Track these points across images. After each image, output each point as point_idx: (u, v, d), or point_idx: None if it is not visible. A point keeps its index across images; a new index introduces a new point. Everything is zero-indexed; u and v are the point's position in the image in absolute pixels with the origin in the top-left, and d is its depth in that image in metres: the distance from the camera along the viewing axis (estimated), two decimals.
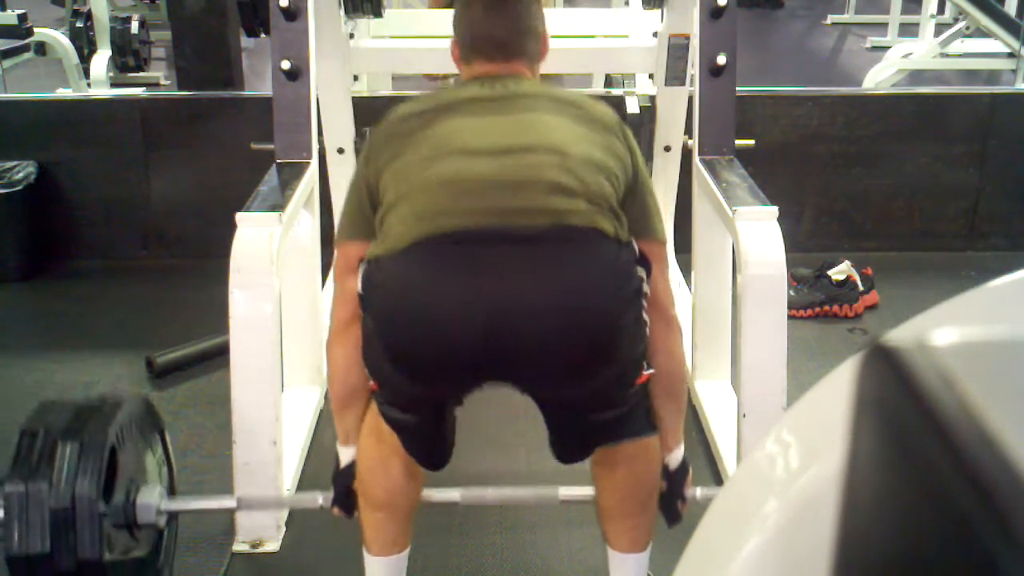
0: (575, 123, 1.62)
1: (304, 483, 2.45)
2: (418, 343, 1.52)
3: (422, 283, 1.50)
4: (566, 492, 1.99)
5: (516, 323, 1.47)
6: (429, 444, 1.72)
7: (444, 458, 1.75)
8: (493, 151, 1.55)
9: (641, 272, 1.59)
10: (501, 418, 2.67)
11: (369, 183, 1.64)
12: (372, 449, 1.76)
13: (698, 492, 1.92)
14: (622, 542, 1.82)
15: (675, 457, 1.82)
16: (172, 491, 2.00)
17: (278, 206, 2.31)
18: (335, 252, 1.74)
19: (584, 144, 1.59)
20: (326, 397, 2.79)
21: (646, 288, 1.61)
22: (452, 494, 1.98)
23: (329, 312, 1.78)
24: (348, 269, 1.68)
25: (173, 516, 1.93)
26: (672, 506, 1.83)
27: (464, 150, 1.56)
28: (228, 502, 2.06)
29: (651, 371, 1.67)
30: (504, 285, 1.47)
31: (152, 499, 1.81)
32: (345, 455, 1.82)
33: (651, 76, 3.34)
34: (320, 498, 1.96)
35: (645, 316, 1.62)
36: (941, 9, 7.25)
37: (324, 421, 2.73)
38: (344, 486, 1.83)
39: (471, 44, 1.72)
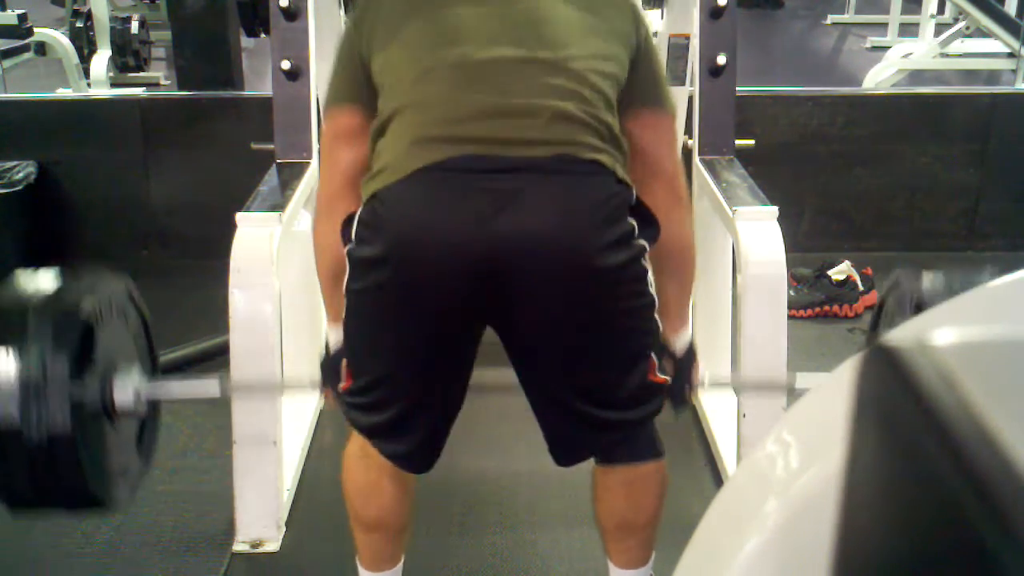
0: (578, 9, 1.53)
1: (304, 483, 2.45)
2: (426, 265, 1.43)
3: (425, 209, 1.43)
4: None
5: (512, 247, 1.41)
6: (416, 436, 1.60)
7: (433, 456, 1.64)
8: (495, 66, 1.47)
9: (632, 221, 1.48)
10: (501, 418, 2.67)
11: (361, 54, 1.56)
12: (361, 473, 1.71)
13: (707, 377, 1.83)
14: (620, 559, 1.79)
15: (682, 340, 1.72)
16: (154, 371, 1.86)
17: (278, 206, 2.31)
18: (324, 121, 1.66)
19: (589, 39, 1.51)
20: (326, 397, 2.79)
21: (642, 242, 1.49)
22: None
23: (317, 190, 1.67)
24: (339, 138, 1.61)
25: (154, 405, 1.82)
26: (679, 392, 1.71)
27: (463, 64, 1.48)
28: (212, 387, 1.94)
29: (665, 377, 1.60)
30: (501, 210, 1.40)
31: (130, 383, 1.70)
32: (335, 336, 1.70)
33: None
34: (311, 381, 1.88)
35: (650, 288, 1.53)
36: (941, 9, 7.26)
37: (324, 421, 2.73)
38: (333, 368, 1.72)
39: None
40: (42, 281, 1.68)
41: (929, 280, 1.60)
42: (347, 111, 1.60)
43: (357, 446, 1.70)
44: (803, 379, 1.82)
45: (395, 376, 1.55)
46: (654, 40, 1.66)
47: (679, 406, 1.72)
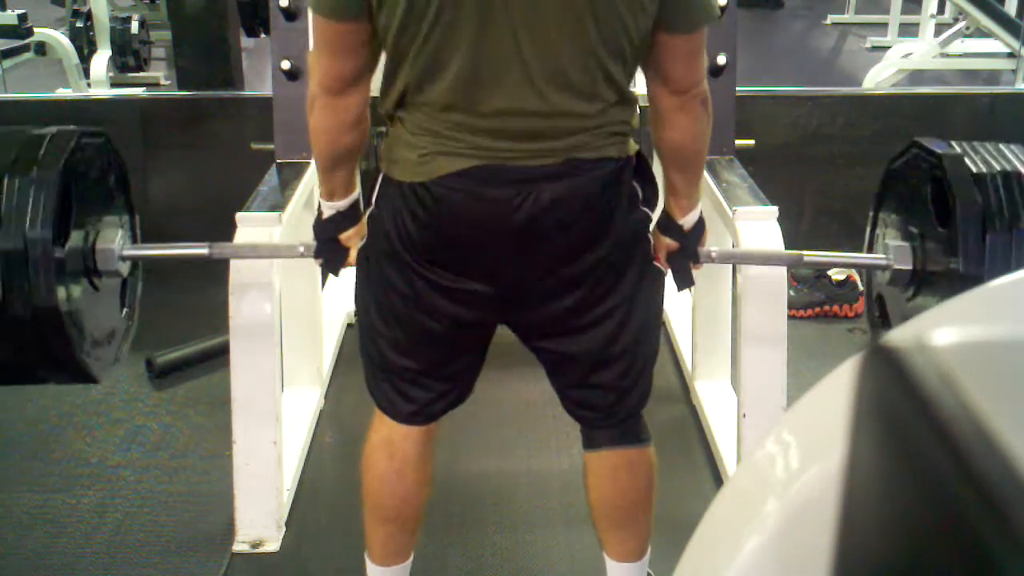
0: None
1: (304, 483, 2.45)
2: (469, 230, 1.50)
3: (465, 200, 1.48)
4: None
5: (537, 217, 1.49)
6: (454, 371, 1.68)
7: (470, 385, 1.73)
8: (508, 56, 1.42)
9: (636, 185, 1.58)
10: (501, 418, 2.68)
11: None
12: (383, 463, 1.73)
13: (713, 252, 1.85)
14: (616, 551, 1.81)
15: (690, 218, 1.73)
16: (135, 238, 1.85)
17: (278, 206, 2.31)
18: (316, 29, 1.50)
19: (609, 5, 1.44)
20: (326, 397, 2.80)
21: (645, 209, 1.61)
22: None
23: (311, 79, 1.55)
24: (344, 51, 1.48)
25: (136, 264, 1.79)
26: (683, 266, 1.75)
27: (476, 56, 1.42)
28: (199, 249, 1.91)
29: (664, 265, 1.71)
30: (526, 202, 1.48)
31: (112, 244, 1.65)
32: (328, 207, 1.70)
33: None
34: (301, 247, 1.89)
35: (649, 249, 1.62)
36: (941, 9, 7.26)
37: (324, 421, 2.73)
38: (326, 236, 1.73)
39: None
40: (15, 144, 1.59)
41: None
42: (348, 27, 1.46)
43: (381, 436, 1.73)
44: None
45: (419, 345, 1.62)
46: None
47: (683, 282, 1.77)
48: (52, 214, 1.49)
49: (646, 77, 1.59)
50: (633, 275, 1.61)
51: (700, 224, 1.75)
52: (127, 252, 1.69)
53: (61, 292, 1.51)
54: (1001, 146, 1.88)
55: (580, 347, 1.62)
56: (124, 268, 1.69)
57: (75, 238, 1.57)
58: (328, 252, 1.76)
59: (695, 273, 1.80)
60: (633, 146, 1.60)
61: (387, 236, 1.55)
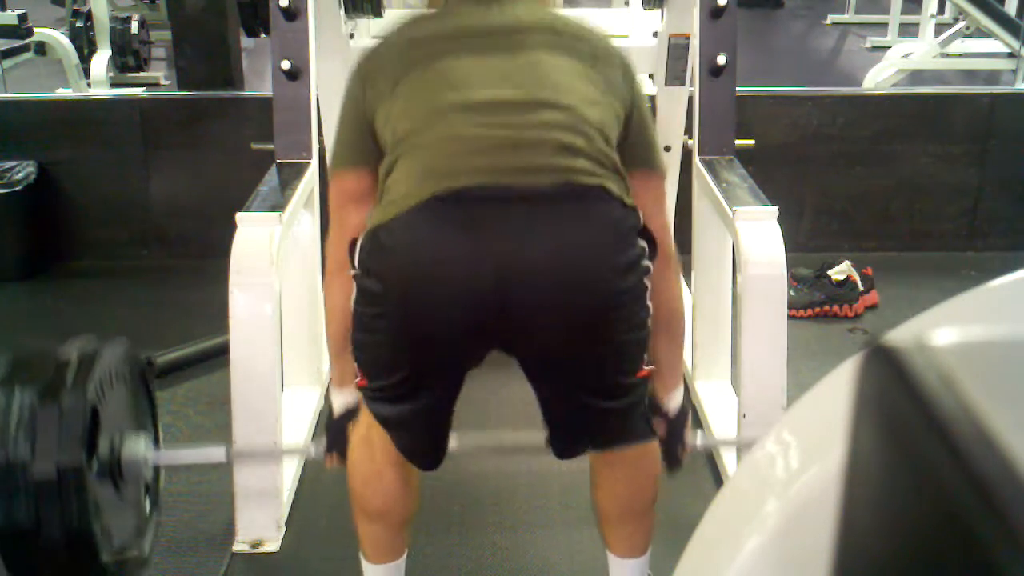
0: (577, 61, 1.56)
1: (304, 483, 2.45)
2: (431, 300, 1.46)
3: (433, 241, 1.45)
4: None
5: (521, 280, 1.43)
6: (427, 435, 1.67)
7: (440, 452, 1.70)
8: (497, 106, 1.51)
9: (643, 244, 1.54)
10: (501, 418, 2.67)
11: (366, 111, 1.58)
12: (365, 461, 1.72)
13: (698, 437, 1.87)
14: (621, 547, 1.81)
15: (674, 399, 1.77)
16: (156, 437, 1.92)
17: (278, 206, 2.31)
18: (330, 184, 1.67)
19: (586, 86, 1.54)
20: (326, 397, 2.79)
21: (647, 263, 1.55)
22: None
23: (326, 251, 1.69)
24: (349, 200, 1.61)
25: (159, 469, 1.86)
26: (672, 451, 1.77)
27: (467, 105, 1.51)
28: (218, 453, 2.00)
29: (651, 367, 1.64)
30: (510, 242, 1.43)
31: (138, 452, 1.73)
32: (339, 400, 1.76)
33: (651, 76, 3.34)
34: (314, 448, 1.92)
35: (648, 301, 1.57)
36: (941, 9, 7.26)
37: (324, 421, 2.73)
38: (338, 432, 1.77)
39: None
40: (42, 370, 1.66)
41: None
42: (354, 174, 1.62)
43: (359, 436, 1.72)
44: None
45: (396, 386, 1.58)
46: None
47: (673, 466, 1.79)
48: (82, 440, 1.57)
49: None
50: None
51: (684, 408, 1.80)
52: (151, 459, 1.79)
53: (92, 513, 1.59)
54: None
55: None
56: (148, 473, 1.78)
57: (102, 448, 1.66)
58: (339, 447, 1.79)
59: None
60: None
61: None
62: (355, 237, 1.57)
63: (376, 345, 1.55)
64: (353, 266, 1.55)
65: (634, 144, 1.60)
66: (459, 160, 1.48)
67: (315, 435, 2.66)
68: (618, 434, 1.69)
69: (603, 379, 1.58)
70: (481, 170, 1.46)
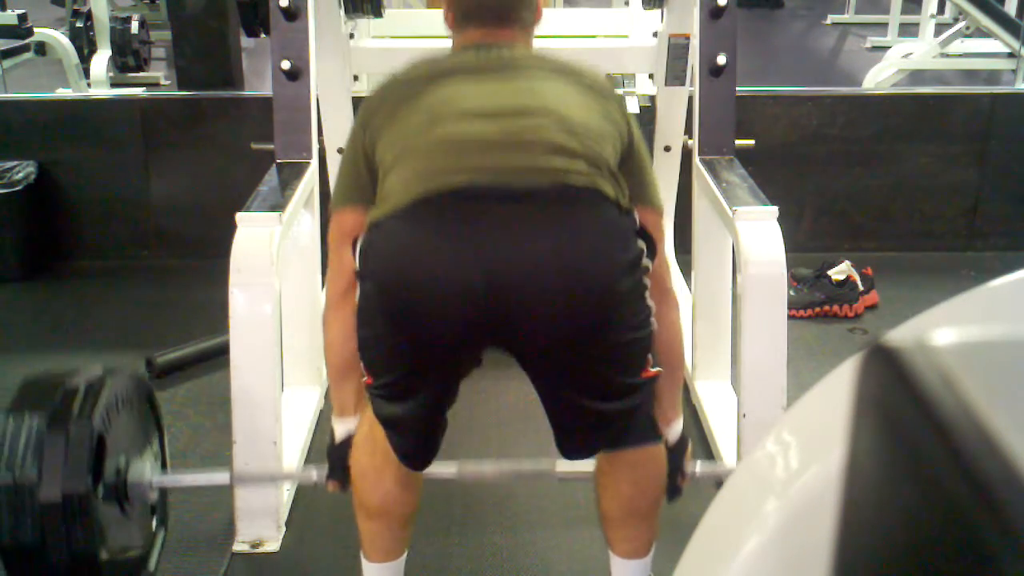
0: (573, 89, 1.60)
1: (304, 483, 2.45)
2: (420, 300, 1.47)
3: (423, 240, 1.47)
4: (563, 467, 1.93)
5: (514, 280, 1.44)
6: (420, 437, 1.68)
7: (430, 455, 1.72)
8: (493, 113, 1.53)
9: (641, 244, 1.55)
10: (501, 420, 2.68)
11: (365, 149, 1.62)
12: (366, 458, 1.73)
13: (698, 466, 1.89)
14: (624, 548, 1.81)
15: (674, 431, 1.79)
16: (164, 461, 1.95)
17: (278, 206, 2.31)
18: (331, 222, 1.71)
19: (583, 110, 1.57)
20: (326, 397, 2.80)
21: (647, 262, 1.56)
22: (449, 468, 1.93)
23: (325, 285, 1.74)
24: (345, 237, 1.64)
25: (165, 490, 1.90)
26: (672, 480, 1.79)
27: (463, 113, 1.54)
28: (222, 477, 2.03)
29: (658, 369, 1.65)
30: (503, 242, 1.44)
31: (143, 476, 1.77)
32: (340, 428, 1.79)
33: (651, 76, 3.34)
34: (315, 473, 1.93)
35: (649, 300, 1.58)
36: (941, 9, 7.26)
37: (324, 421, 2.73)
38: (339, 459, 1.79)
39: (465, 10, 1.70)
40: (50, 395, 1.70)
41: None
42: (352, 212, 1.64)
43: (362, 434, 1.73)
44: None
45: (400, 382, 1.60)
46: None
47: (673, 494, 1.80)
48: (88, 465, 1.62)
49: None
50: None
51: (684, 438, 1.82)
52: (156, 482, 1.83)
53: (96, 534, 1.64)
54: None
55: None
56: (154, 495, 1.84)
57: (108, 472, 1.70)
58: (341, 474, 1.81)
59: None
60: None
61: None
62: (357, 236, 1.59)
63: (376, 340, 1.57)
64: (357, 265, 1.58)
65: (633, 183, 1.62)
66: (451, 160, 1.50)
67: (315, 436, 2.66)
68: (623, 435, 1.69)
69: (606, 379, 1.59)
70: (473, 169, 1.48)
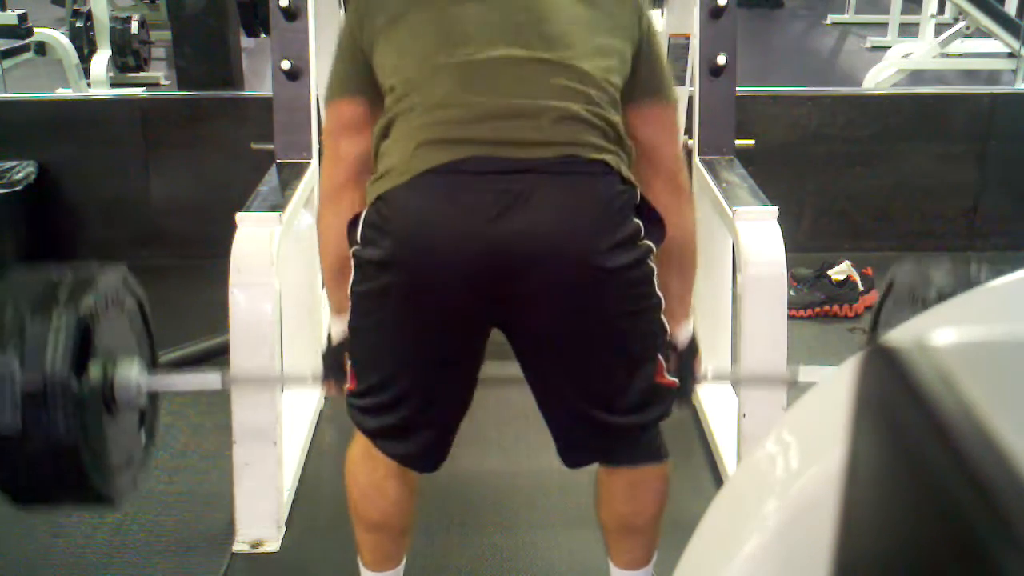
0: (579, 3, 1.52)
1: (304, 483, 2.45)
2: (430, 262, 1.42)
3: (430, 211, 1.43)
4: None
5: (515, 251, 1.41)
6: (424, 434, 1.60)
7: (444, 450, 1.64)
8: (497, 66, 1.47)
9: (638, 222, 1.48)
10: (501, 419, 2.67)
11: (363, 49, 1.56)
12: (365, 474, 1.70)
13: (710, 371, 1.82)
14: (621, 560, 1.79)
15: (684, 332, 1.71)
16: (154, 360, 1.89)
17: (278, 206, 2.31)
18: (325, 114, 1.66)
19: (591, 35, 1.50)
20: (326, 397, 2.80)
21: (647, 243, 1.49)
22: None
23: (320, 179, 1.66)
24: (343, 129, 1.60)
25: (155, 397, 1.83)
26: (683, 385, 1.68)
27: (465, 65, 1.48)
28: (214, 380, 1.97)
29: (673, 379, 1.59)
30: (505, 213, 1.40)
31: (131, 377, 1.70)
32: (337, 328, 1.69)
33: None
34: (311, 375, 1.90)
35: (657, 291, 1.52)
36: (941, 9, 7.25)
37: (324, 421, 2.73)
38: (335, 361, 1.71)
39: None
40: (39, 278, 1.66)
41: (930, 274, 1.59)
42: (349, 103, 1.59)
43: (361, 447, 1.68)
44: (805, 372, 1.82)
45: (401, 378, 1.54)
46: (657, 35, 1.64)
47: (681, 401, 1.70)
48: (71, 352, 1.56)
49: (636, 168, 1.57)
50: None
51: (694, 341, 1.74)
52: (144, 385, 1.75)
53: (80, 430, 1.57)
54: None
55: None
56: (142, 399, 1.75)
57: (93, 372, 1.64)
58: (336, 374, 1.73)
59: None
60: None
61: None
62: (354, 215, 1.53)
63: (377, 326, 1.52)
64: (354, 242, 1.51)
65: (643, 74, 1.57)
66: (457, 130, 1.45)
67: (315, 436, 2.66)
68: (624, 452, 1.65)
69: (609, 374, 1.53)
70: (480, 141, 1.44)
